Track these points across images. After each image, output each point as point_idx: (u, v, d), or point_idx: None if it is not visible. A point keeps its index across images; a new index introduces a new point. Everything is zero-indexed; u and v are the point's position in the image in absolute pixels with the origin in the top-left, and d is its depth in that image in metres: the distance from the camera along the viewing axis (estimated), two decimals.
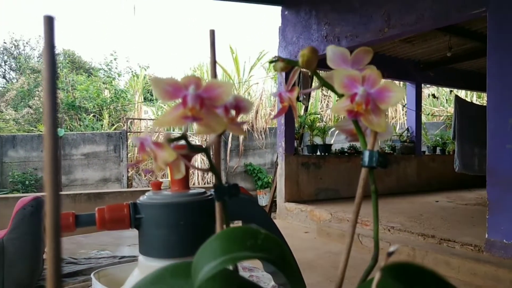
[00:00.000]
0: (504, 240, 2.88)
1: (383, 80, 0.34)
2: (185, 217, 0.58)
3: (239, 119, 0.35)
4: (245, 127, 8.78)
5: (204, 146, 0.35)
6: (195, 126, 0.32)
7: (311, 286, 2.43)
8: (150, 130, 0.32)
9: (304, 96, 5.86)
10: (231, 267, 0.36)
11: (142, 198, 0.60)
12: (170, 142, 0.32)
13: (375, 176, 0.34)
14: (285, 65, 0.39)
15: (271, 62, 0.39)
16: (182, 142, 0.34)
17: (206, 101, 0.31)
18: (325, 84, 0.38)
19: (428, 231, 3.56)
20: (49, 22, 0.26)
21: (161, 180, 0.73)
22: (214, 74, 0.37)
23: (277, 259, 0.30)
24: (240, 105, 0.35)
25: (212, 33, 0.40)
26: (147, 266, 0.57)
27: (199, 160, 7.94)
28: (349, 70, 0.36)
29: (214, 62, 0.38)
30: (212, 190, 0.39)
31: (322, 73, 0.37)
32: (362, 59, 0.38)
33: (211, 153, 0.37)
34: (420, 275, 0.20)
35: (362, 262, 0.31)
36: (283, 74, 0.42)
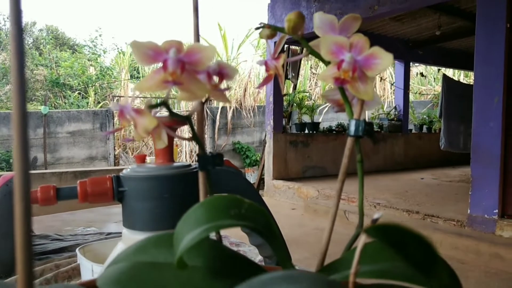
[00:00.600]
0: (485, 215, 2.96)
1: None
2: (169, 190, 0.57)
3: (222, 86, 0.34)
4: (234, 104, 8.72)
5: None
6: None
7: (298, 261, 2.47)
8: (131, 95, 0.30)
9: (293, 74, 5.82)
10: (215, 238, 0.35)
11: (126, 171, 0.59)
12: (151, 109, 0.31)
13: (362, 152, 0.33)
14: (271, 32, 0.37)
15: (257, 28, 0.38)
16: (164, 110, 0.32)
17: (187, 66, 0.30)
18: (312, 52, 0.37)
19: (412, 207, 3.64)
20: None
21: (147, 156, 0.72)
22: (197, 39, 0.36)
23: (262, 229, 0.30)
24: (223, 72, 0.34)
25: None
26: (131, 239, 0.57)
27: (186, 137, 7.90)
28: (336, 37, 0.35)
29: (197, 27, 0.37)
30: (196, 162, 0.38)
31: None
32: (350, 27, 0.37)
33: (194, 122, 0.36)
34: (407, 236, 0.20)
35: (348, 238, 0.30)
36: (272, 45, 0.41)
